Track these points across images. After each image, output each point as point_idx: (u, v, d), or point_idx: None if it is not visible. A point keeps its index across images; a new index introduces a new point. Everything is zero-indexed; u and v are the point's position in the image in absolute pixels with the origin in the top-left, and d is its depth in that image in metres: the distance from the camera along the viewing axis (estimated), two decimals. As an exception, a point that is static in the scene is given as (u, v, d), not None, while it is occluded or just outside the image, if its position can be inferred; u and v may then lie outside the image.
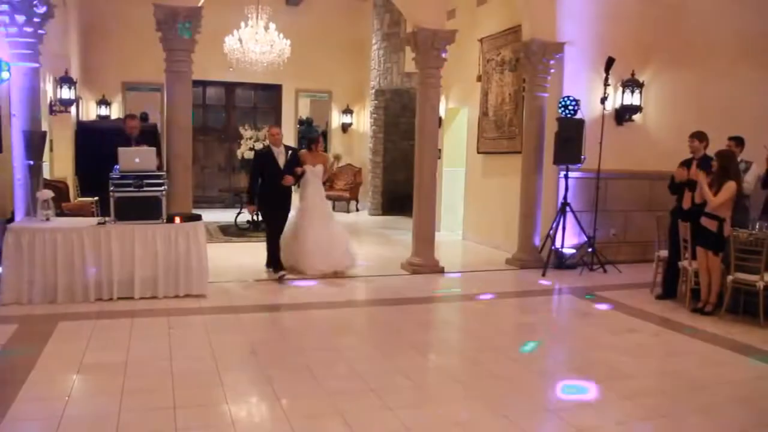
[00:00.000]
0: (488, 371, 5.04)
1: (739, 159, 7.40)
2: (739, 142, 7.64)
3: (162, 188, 6.84)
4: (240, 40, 12.24)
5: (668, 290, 7.62)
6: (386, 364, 5.11)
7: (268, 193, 8.09)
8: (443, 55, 8.56)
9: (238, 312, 6.48)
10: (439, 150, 10.74)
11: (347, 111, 16.85)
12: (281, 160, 8.01)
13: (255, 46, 12.26)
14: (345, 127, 16.98)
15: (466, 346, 5.98)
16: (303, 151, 8.50)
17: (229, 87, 16.17)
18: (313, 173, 8.30)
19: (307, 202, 8.35)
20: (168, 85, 7.70)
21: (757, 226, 6.77)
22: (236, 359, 5.11)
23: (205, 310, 6.50)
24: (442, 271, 8.70)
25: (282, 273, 7.93)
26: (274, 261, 8.10)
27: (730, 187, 6.63)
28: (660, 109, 9.93)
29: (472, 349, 5.84)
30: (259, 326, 6.08)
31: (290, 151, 8.14)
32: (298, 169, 8.11)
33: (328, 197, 16.12)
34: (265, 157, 8.14)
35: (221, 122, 16.45)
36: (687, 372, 5.20)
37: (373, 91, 15.61)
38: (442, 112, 11.68)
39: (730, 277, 6.62)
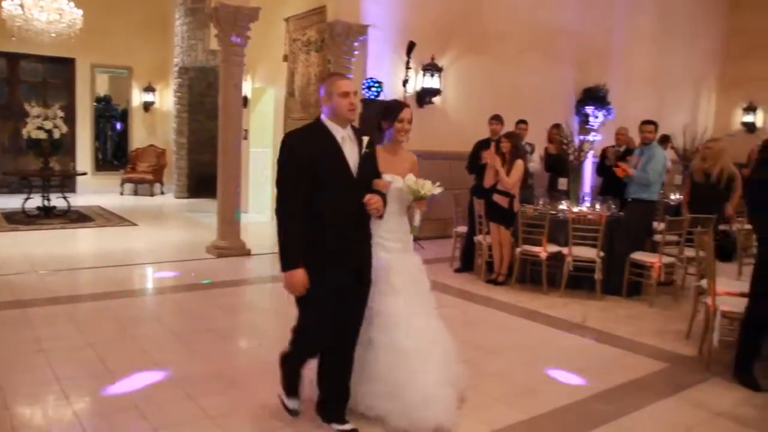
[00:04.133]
0: (295, 352, 5.02)
1: (524, 141, 8.03)
2: (525, 124, 8.31)
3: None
4: (21, 6, 11.08)
5: (466, 263, 8.11)
6: (187, 351, 4.92)
7: (325, 231, 3.46)
8: (247, 33, 8.35)
9: (24, 306, 5.90)
10: (246, 130, 10.54)
11: (149, 89, 15.97)
12: (351, 156, 3.53)
13: (40, 13, 11.17)
14: (147, 106, 16.10)
15: (272, 329, 5.90)
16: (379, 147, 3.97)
17: (12, 58, 14.55)
18: (396, 188, 3.91)
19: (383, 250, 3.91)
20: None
21: (541, 203, 7.41)
22: (20, 358, 4.66)
23: (-17, 306, 5.87)
24: (248, 253, 8.55)
25: (294, 406, 3.84)
26: (289, 380, 3.83)
27: (520, 165, 7.17)
28: (458, 93, 10.47)
29: (278, 331, 5.77)
30: (49, 321, 5.57)
31: (364, 139, 3.63)
32: (381, 183, 3.68)
33: (129, 180, 15.38)
34: (316, 145, 3.47)
35: (4, 97, 14.83)
36: (483, 339, 5.55)
37: (177, 68, 14.91)
38: (248, 92, 11.45)
39: (518, 250, 7.17)
